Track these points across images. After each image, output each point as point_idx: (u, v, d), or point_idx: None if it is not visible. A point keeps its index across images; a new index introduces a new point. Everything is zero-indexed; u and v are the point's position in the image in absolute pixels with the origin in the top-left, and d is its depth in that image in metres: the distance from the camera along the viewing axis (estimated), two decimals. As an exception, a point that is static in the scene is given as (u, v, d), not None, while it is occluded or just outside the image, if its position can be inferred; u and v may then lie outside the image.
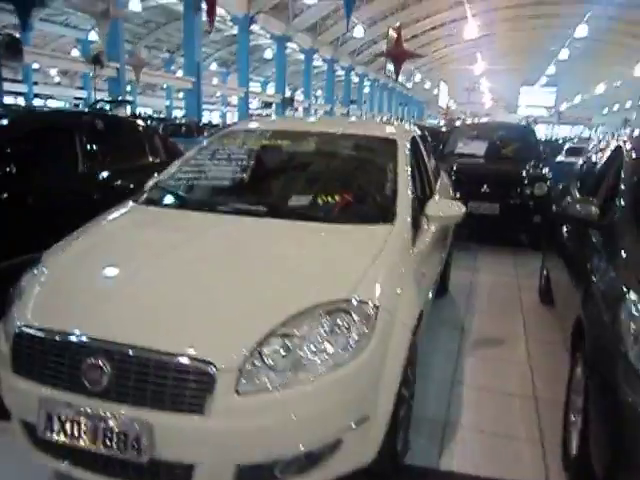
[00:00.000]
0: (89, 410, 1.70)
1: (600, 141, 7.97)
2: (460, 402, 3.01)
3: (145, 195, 2.86)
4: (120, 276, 2.10)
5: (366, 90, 43.16)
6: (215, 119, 34.72)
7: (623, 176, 2.86)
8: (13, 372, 1.85)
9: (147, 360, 1.68)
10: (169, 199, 2.85)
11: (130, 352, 1.70)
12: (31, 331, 1.84)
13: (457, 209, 2.79)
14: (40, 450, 1.85)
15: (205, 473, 1.69)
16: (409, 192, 2.72)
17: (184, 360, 1.66)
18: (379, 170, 2.91)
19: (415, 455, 2.40)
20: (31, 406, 1.78)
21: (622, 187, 2.79)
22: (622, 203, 2.68)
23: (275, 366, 1.71)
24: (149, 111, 32.53)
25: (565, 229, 3.58)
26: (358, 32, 26.20)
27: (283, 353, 1.73)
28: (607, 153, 3.66)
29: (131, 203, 2.80)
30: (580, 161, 4.96)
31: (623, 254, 2.36)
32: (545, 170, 6.87)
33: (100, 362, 1.69)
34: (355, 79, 39.69)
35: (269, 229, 2.45)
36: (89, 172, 4.22)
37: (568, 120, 33.23)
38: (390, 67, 16.04)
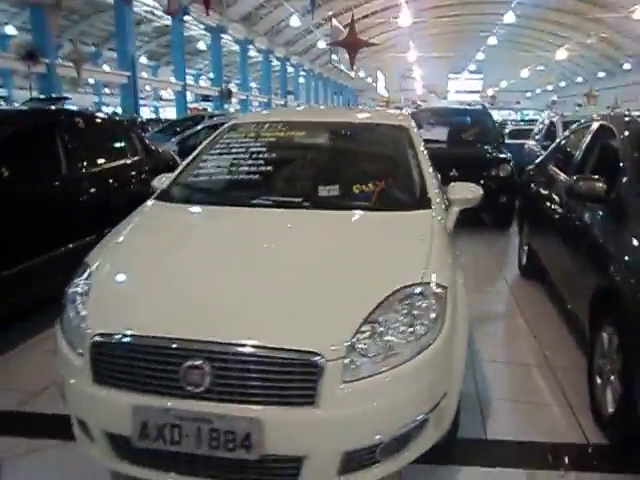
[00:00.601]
0: (191, 413, 1.66)
1: (550, 123, 8.43)
2: (483, 375, 3.14)
3: (173, 193, 2.80)
4: (196, 275, 2.04)
5: (301, 80, 43.10)
6: (146, 114, 33.47)
7: (622, 153, 3.06)
8: (94, 382, 1.78)
9: (252, 356, 1.67)
10: (201, 196, 2.80)
11: (234, 350, 1.68)
12: (115, 339, 1.77)
13: (476, 191, 2.90)
14: (130, 461, 1.80)
15: (313, 463, 1.70)
16: (434, 177, 2.81)
17: (292, 354, 1.67)
18: (402, 157, 2.97)
19: (463, 428, 2.51)
20: (120, 416, 1.72)
21: (624, 163, 2.99)
22: (628, 179, 2.89)
23: (370, 353, 1.74)
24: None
25: (559, 207, 3.78)
26: (294, 21, 26.06)
27: (376, 340, 1.76)
28: (589, 133, 3.90)
29: (160, 202, 2.72)
30: (545, 142, 5.21)
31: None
32: (507, 152, 7.20)
33: (201, 363, 1.66)
34: (290, 69, 39.52)
35: (319, 220, 2.47)
36: (73, 174, 4.02)
37: (499, 105, 34.92)
38: (335, 57, 16.03)
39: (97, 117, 4.96)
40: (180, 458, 1.72)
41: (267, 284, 1.94)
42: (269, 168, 2.84)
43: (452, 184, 2.93)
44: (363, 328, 1.76)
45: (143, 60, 38.42)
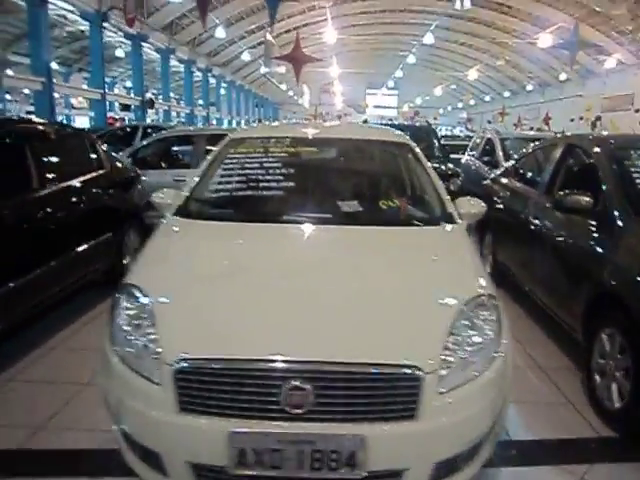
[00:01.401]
0: (293, 436, 1.64)
1: (488, 140, 8.99)
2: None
3: (193, 209, 2.73)
4: (265, 295, 1.99)
5: (222, 92, 42.64)
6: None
7: (602, 170, 3.38)
8: (181, 411, 1.69)
9: (357, 374, 1.67)
10: (226, 213, 2.74)
11: (338, 369, 1.67)
12: (204, 364, 1.70)
13: (480, 206, 3.07)
14: None
15: (411, 476, 1.73)
16: (446, 192, 2.95)
17: (395, 369, 1.70)
18: (415, 173, 3.08)
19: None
20: (214, 445, 1.65)
21: (605, 179, 3.30)
22: (611, 193, 3.20)
23: (454, 364, 1.81)
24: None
25: (535, 220, 4.06)
26: (220, 33, 25.78)
27: (457, 351, 1.83)
28: (556, 152, 4.25)
29: (182, 218, 2.64)
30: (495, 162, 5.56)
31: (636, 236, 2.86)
32: (455, 167, 7.61)
33: (301, 384, 1.64)
34: (212, 80, 38.99)
35: (358, 236, 2.51)
36: (45, 189, 3.75)
37: (420, 120, 36.75)
38: (266, 69, 16.07)
39: (67, 128, 4.65)
40: None
41: (340, 302, 1.95)
42: (289, 184, 2.84)
43: (458, 199, 3.08)
44: (449, 340, 1.83)
45: (54, 66, 36.25)
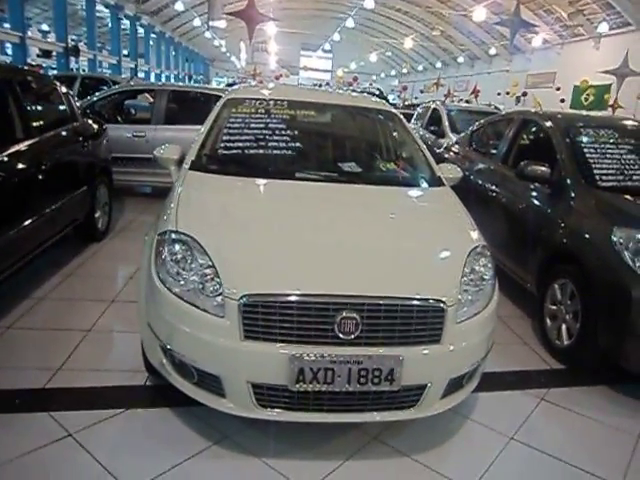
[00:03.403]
0: (344, 357, 1.95)
1: (434, 110, 9.45)
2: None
3: (209, 165, 2.92)
4: (309, 239, 2.26)
5: (151, 43, 40.49)
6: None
7: (557, 143, 3.87)
8: (245, 339, 1.95)
9: (395, 307, 2.00)
10: (243, 169, 2.91)
11: (380, 302, 2.00)
12: (269, 298, 1.96)
13: (458, 172, 3.45)
14: (277, 407, 2.02)
15: (431, 389, 2.12)
16: (431, 157, 3.31)
17: (426, 302, 2.05)
18: (406, 140, 3.41)
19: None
20: (276, 366, 1.94)
21: (560, 151, 3.79)
22: (565, 163, 3.69)
23: (464, 300, 2.19)
24: None
25: (493, 187, 4.53)
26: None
27: (467, 290, 2.21)
28: (512, 125, 4.72)
29: (200, 173, 2.82)
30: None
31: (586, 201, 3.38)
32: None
33: (352, 314, 1.95)
34: (140, 30, 36.88)
35: (368, 192, 2.82)
36: (30, 139, 3.70)
37: (357, 87, 37.08)
38: (212, 22, 15.51)
39: (40, 75, 4.50)
40: (322, 397, 2.00)
41: (372, 247, 2.27)
42: (296, 144, 3.08)
43: (440, 165, 3.45)
44: (462, 280, 2.20)
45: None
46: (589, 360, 3.14)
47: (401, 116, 3.61)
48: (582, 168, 3.62)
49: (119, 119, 6.94)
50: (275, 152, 3.02)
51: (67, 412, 2.44)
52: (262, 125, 3.15)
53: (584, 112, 10.24)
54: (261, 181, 2.80)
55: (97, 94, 6.85)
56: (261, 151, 3.04)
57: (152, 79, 35.61)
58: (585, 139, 3.86)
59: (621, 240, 2.97)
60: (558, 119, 4.18)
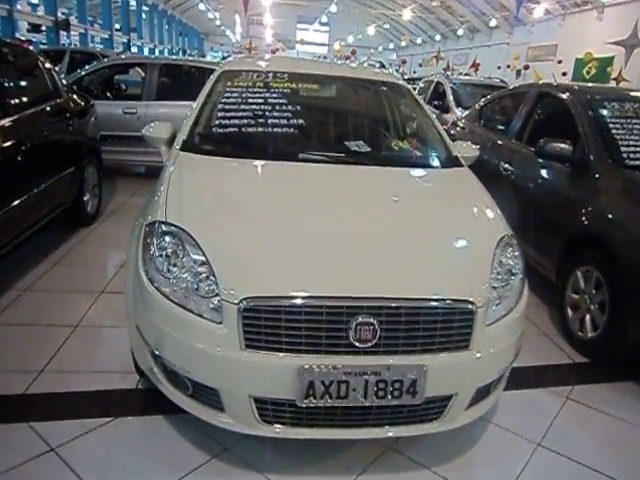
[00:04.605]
0: (360, 367, 1.70)
1: (437, 83, 9.08)
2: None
3: (202, 145, 2.63)
4: (314, 235, 1.99)
5: (143, 16, 39.45)
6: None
7: (580, 118, 3.57)
8: (246, 348, 1.70)
9: (418, 309, 1.74)
10: (241, 150, 2.61)
11: (400, 305, 1.74)
12: (273, 302, 1.70)
13: (474, 150, 3.17)
14: (287, 423, 1.80)
15: (457, 400, 1.88)
16: (447, 135, 3.02)
17: (453, 303, 1.79)
18: (416, 115, 3.10)
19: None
20: (282, 379, 1.69)
21: (583, 127, 3.50)
22: (589, 140, 3.41)
23: (494, 299, 1.93)
24: None
25: (508, 166, 4.24)
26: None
27: (497, 288, 1.95)
28: (528, 100, 4.40)
29: (192, 154, 2.52)
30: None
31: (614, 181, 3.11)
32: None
33: (369, 319, 1.69)
34: (132, 3, 35.85)
35: (378, 176, 2.54)
36: (7, 117, 3.39)
37: (354, 59, 36.20)
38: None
39: (22, 49, 4.16)
40: (335, 411, 1.76)
41: (389, 241, 1.99)
42: (299, 121, 2.78)
43: (454, 143, 3.16)
44: (492, 276, 1.94)
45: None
46: (617, 354, 2.91)
47: (412, 89, 3.30)
48: (608, 145, 3.34)
49: (109, 95, 6.58)
50: (275, 130, 2.73)
51: (49, 422, 2.20)
52: (261, 100, 2.85)
53: (605, 84, 9.87)
54: (261, 163, 2.51)
55: (85, 68, 6.48)
56: (260, 129, 2.74)
57: (146, 54, 34.78)
58: (609, 113, 3.57)
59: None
60: (579, 91, 3.88)
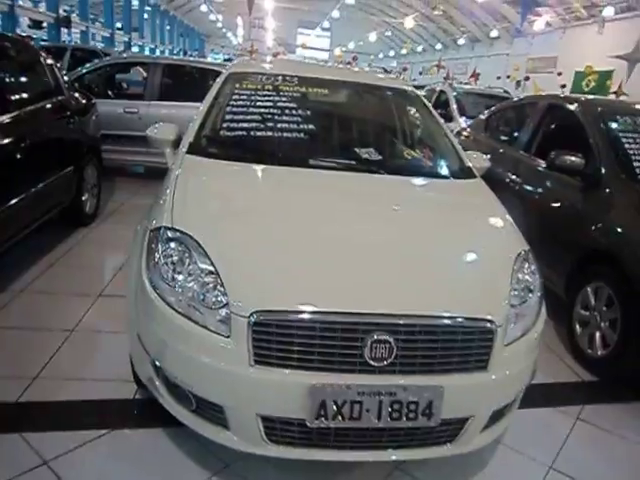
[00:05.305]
0: (374, 387, 1.62)
1: (440, 92, 9.05)
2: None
3: (210, 148, 2.55)
4: (327, 247, 1.89)
5: (145, 16, 39.38)
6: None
7: (592, 132, 3.51)
8: (255, 364, 1.61)
9: (434, 327, 1.67)
10: (250, 155, 2.51)
11: (418, 322, 1.66)
12: (284, 316, 1.61)
13: (485, 161, 3.10)
14: (295, 444, 1.71)
15: (474, 423, 1.80)
16: (459, 145, 2.95)
17: (472, 322, 1.71)
18: (427, 124, 3.03)
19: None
20: (292, 398, 1.61)
21: (595, 141, 3.44)
22: (601, 154, 3.35)
23: (512, 317, 1.85)
24: None
25: (515, 178, 4.17)
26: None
27: (514, 305, 1.88)
28: (537, 111, 4.35)
29: (199, 157, 2.44)
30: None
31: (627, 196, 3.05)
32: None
33: (386, 337, 1.61)
34: (135, 2, 35.80)
35: (389, 185, 2.46)
36: (7, 114, 3.29)
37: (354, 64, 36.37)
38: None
39: (25, 44, 4.07)
40: (344, 433, 1.67)
41: (404, 255, 1.91)
42: (309, 127, 2.70)
43: (467, 153, 3.09)
44: (511, 294, 1.86)
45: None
46: (629, 373, 2.84)
47: (424, 98, 3.23)
48: (621, 160, 3.28)
49: (110, 94, 6.48)
50: (285, 135, 2.65)
51: (43, 433, 2.10)
52: (270, 104, 2.77)
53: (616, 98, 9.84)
54: (270, 169, 2.42)
55: (86, 66, 6.39)
56: (269, 133, 2.65)
57: (147, 53, 34.70)
58: (622, 127, 3.51)
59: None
60: (591, 105, 3.82)
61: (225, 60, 12.51)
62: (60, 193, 4.00)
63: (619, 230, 2.98)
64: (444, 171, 2.70)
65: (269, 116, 2.71)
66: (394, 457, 1.81)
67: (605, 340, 2.96)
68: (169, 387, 1.83)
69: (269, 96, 2.82)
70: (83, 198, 4.49)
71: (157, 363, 1.82)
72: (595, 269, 3.10)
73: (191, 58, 11.83)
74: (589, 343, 3.08)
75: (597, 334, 3.02)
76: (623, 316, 2.81)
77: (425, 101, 3.19)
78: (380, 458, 1.84)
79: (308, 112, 2.77)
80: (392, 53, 49.52)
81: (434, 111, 3.14)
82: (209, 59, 38.24)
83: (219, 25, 47.10)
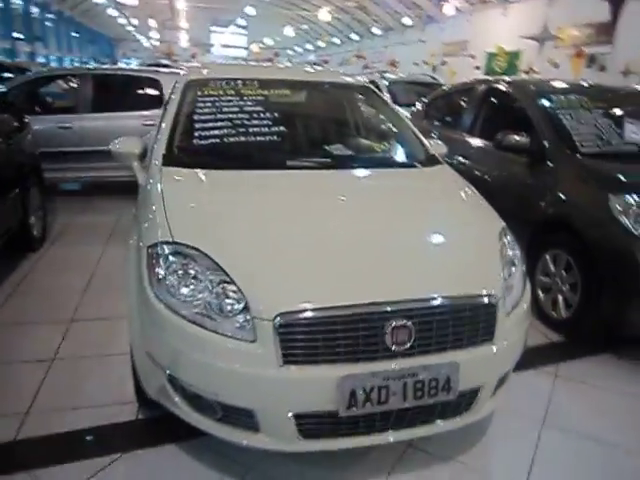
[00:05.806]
0: (398, 371, 1.71)
1: (371, 82, 9.27)
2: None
3: (182, 158, 2.52)
4: (327, 241, 1.96)
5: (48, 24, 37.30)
6: None
7: (532, 111, 3.77)
8: (284, 364, 1.65)
9: (446, 307, 1.77)
10: (228, 162, 2.52)
11: (433, 304, 1.76)
12: (307, 315, 1.66)
13: (443, 147, 3.26)
14: (327, 436, 1.77)
15: (485, 390, 1.93)
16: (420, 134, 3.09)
17: (477, 298, 1.84)
18: (388, 116, 3.14)
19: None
20: (322, 392, 1.66)
21: (536, 120, 3.70)
22: (544, 131, 3.60)
23: (507, 289, 1.99)
24: None
25: (465, 159, 4.39)
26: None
27: (506, 278, 2.02)
28: (476, 94, 4.59)
29: (175, 168, 2.42)
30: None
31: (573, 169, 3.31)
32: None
33: (404, 322, 1.70)
34: (35, 10, 33.82)
35: (366, 178, 2.55)
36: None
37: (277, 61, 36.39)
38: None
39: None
40: (371, 418, 1.75)
41: (401, 242, 2.01)
42: (279, 129, 2.74)
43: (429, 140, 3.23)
44: (503, 268, 2.00)
45: None
46: (592, 331, 3.10)
47: (377, 90, 3.35)
48: (562, 135, 3.55)
49: (38, 109, 6.16)
50: (259, 139, 2.67)
51: (52, 468, 2.04)
52: (237, 109, 2.78)
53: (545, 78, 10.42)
54: (252, 173, 2.44)
55: (9, 82, 6.04)
56: (243, 138, 2.66)
57: (53, 64, 32.88)
58: (557, 105, 3.79)
59: (619, 207, 2.91)
60: (526, 86, 4.10)
61: (149, 65, 12.09)
62: (9, 218, 3.79)
63: (566, 199, 3.24)
64: (412, 160, 2.83)
65: (239, 121, 2.72)
66: (421, 434, 1.92)
67: (567, 302, 3.22)
68: (188, 399, 1.83)
69: (235, 101, 2.83)
70: (30, 221, 4.27)
71: (174, 377, 1.81)
72: (550, 238, 3.34)
73: (123, 66, 11.38)
74: (553, 306, 3.33)
75: (560, 297, 3.27)
76: (583, 278, 3.06)
77: (380, 94, 3.31)
78: (407, 437, 1.95)
79: (276, 114, 2.80)
80: (310, 47, 49.84)
81: (391, 104, 3.26)
82: (121, 65, 36.85)
83: (129, 29, 45.46)
